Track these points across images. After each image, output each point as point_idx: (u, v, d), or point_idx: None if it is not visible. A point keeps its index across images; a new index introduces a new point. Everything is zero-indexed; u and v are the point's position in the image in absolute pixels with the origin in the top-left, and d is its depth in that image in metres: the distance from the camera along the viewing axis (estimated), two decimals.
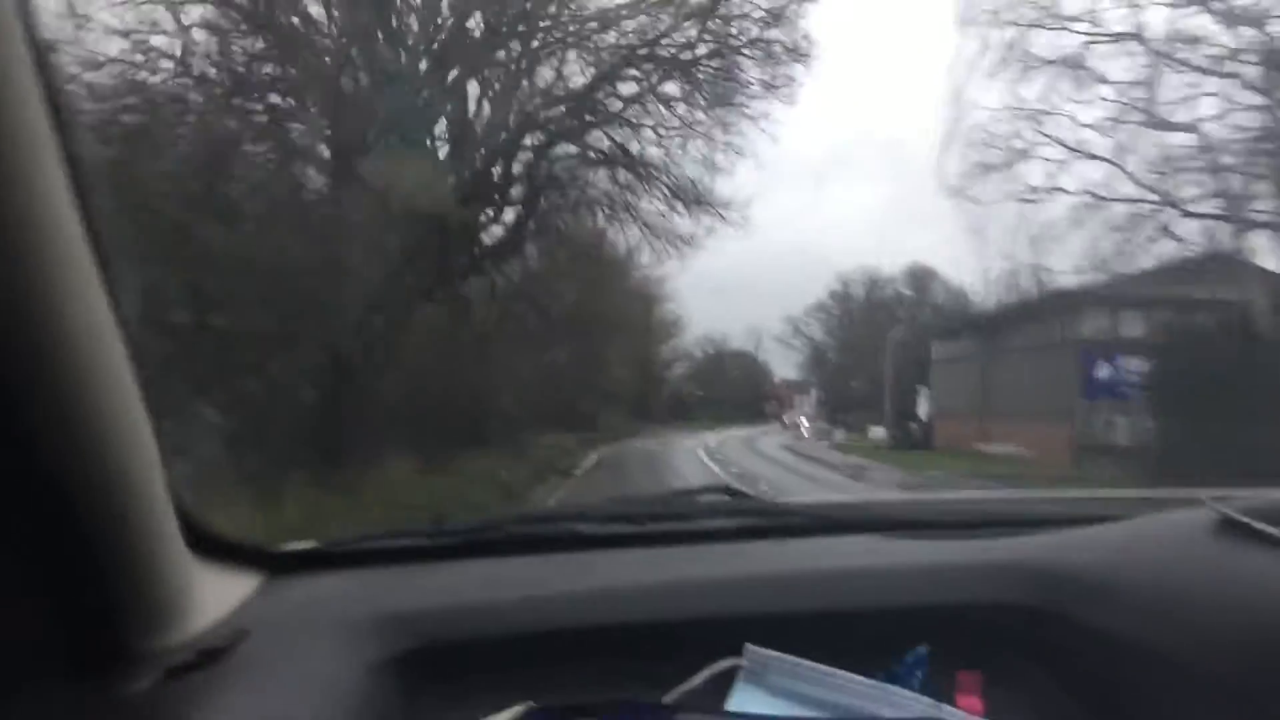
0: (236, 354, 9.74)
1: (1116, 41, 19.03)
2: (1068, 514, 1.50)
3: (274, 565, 1.38)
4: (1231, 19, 17.49)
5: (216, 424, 7.69)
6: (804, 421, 51.09)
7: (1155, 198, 19.04)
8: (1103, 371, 24.19)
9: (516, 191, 18.91)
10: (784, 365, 71.29)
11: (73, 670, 0.96)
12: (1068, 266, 20.59)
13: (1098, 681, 1.15)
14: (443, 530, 1.50)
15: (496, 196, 18.53)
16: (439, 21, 16.20)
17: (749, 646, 1.18)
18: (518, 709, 1.11)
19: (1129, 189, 19.37)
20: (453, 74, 16.29)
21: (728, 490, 1.68)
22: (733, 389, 68.76)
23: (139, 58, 11.17)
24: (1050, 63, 19.54)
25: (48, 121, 0.74)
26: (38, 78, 0.73)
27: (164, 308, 8.27)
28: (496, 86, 17.53)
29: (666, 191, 19.38)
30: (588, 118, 18.40)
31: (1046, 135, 20.17)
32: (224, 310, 9.59)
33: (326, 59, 13.40)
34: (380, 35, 14.98)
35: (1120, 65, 19.80)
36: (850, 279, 64.05)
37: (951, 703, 1.15)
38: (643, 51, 17.35)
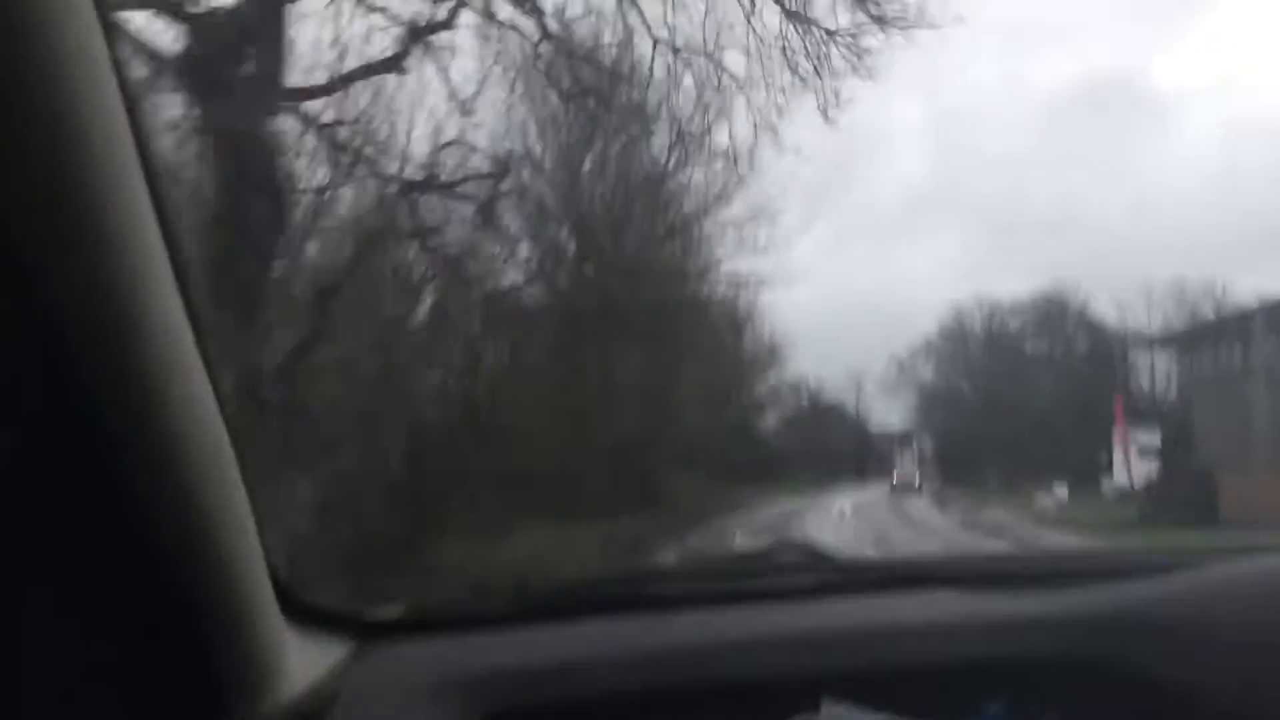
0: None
1: None
2: (1144, 564, 1.48)
3: (364, 632, 1.41)
4: None
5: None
6: (915, 478, 45.81)
7: None
8: None
9: None
10: (890, 414, 62.11)
11: None
12: None
13: None
14: (526, 594, 1.52)
15: None
16: None
17: (825, 703, 1.18)
18: None
19: None
20: None
21: (801, 547, 1.69)
22: (831, 442, 56.92)
23: None
24: None
25: (147, 193, 0.77)
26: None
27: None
28: None
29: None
30: None
31: None
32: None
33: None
34: None
35: None
36: (965, 311, 54.86)
37: None
38: None
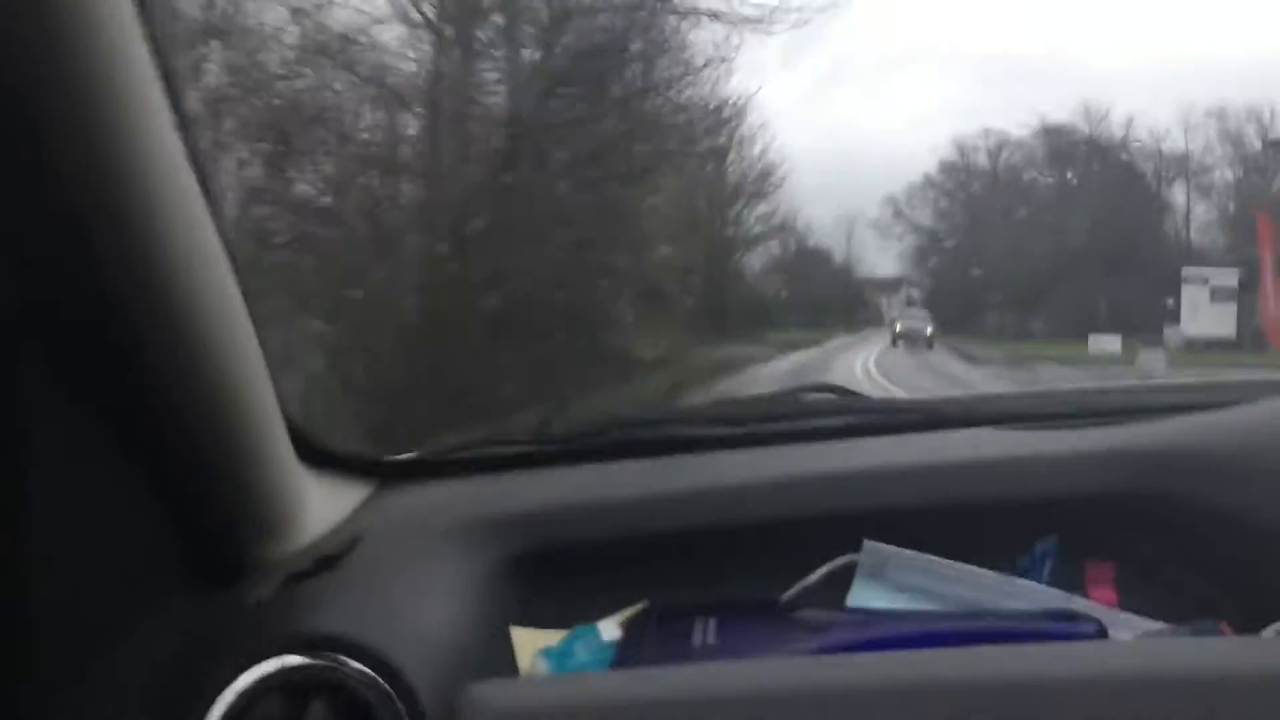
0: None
1: None
2: (1193, 400, 1.43)
3: (383, 474, 1.39)
4: None
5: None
6: (915, 322, 38.67)
7: None
8: None
9: None
10: (884, 260, 55.45)
11: (195, 582, 0.98)
12: None
13: (1236, 566, 1.10)
14: (547, 435, 1.50)
15: None
16: None
17: (867, 542, 1.15)
18: (637, 608, 1.11)
19: None
20: None
21: (832, 388, 1.64)
22: (820, 290, 50.65)
23: None
24: None
25: (144, 38, 0.74)
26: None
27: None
28: None
29: None
30: None
31: None
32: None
33: None
34: None
35: None
36: (969, 145, 48.12)
37: (1083, 595, 1.11)
38: None
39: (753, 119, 26.99)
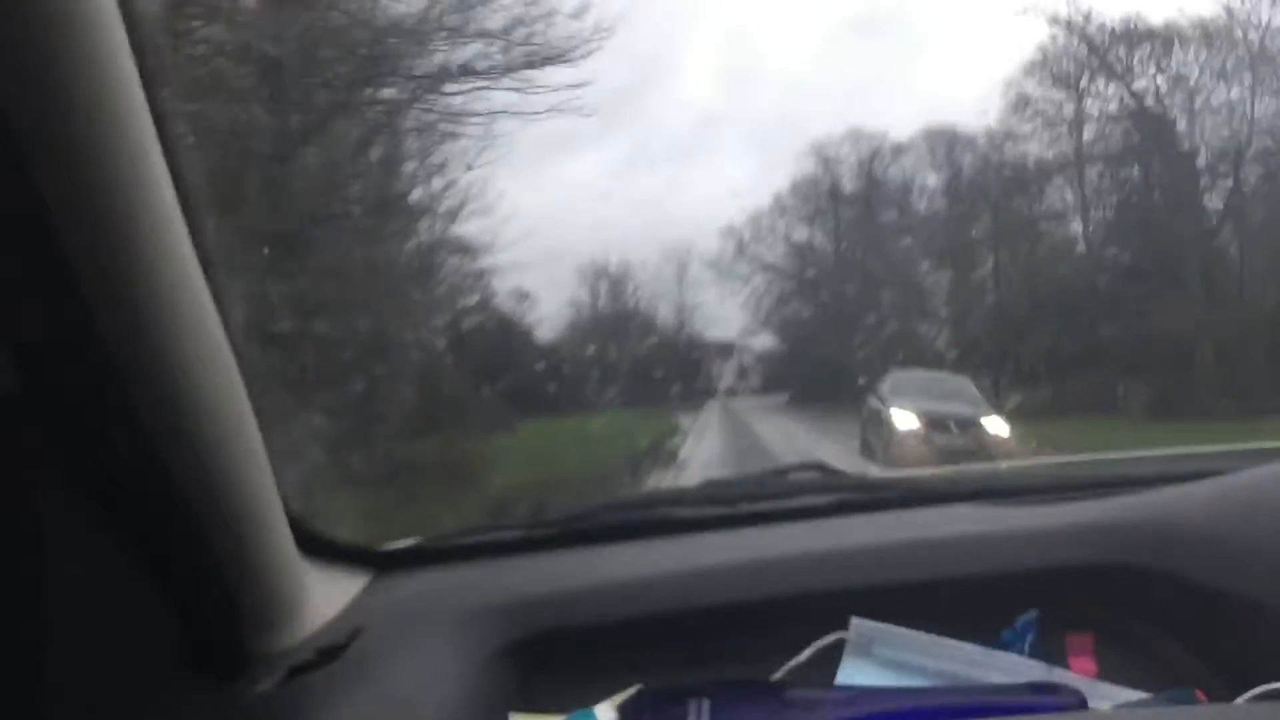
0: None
1: None
2: (1169, 472, 1.46)
3: (381, 564, 1.41)
4: None
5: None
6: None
7: None
8: None
9: None
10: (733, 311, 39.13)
11: (195, 674, 0.99)
12: None
13: (1212, 637, 1.12)
14: (542, 520, 1.52)
15: None
16: None
17: (854, 619, 1.17)
18: (630, 691, 1.13)
19: None
20: None
21: (818, 466, 1.68)
22: (650, 354, 35.41)
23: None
24: None
25: (153, 129, 0.76)
26: (143, 86, 0.74)
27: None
28: None
29: None
30: None
31: None
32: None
33: None
34: None
35: None
36: (832, 152, 35.63)
37: (1064, 666, 1.13)
38: None
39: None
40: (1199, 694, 1.02)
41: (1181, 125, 24.85)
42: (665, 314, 36.64)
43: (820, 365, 31.70)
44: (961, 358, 24.70)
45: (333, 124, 10.89)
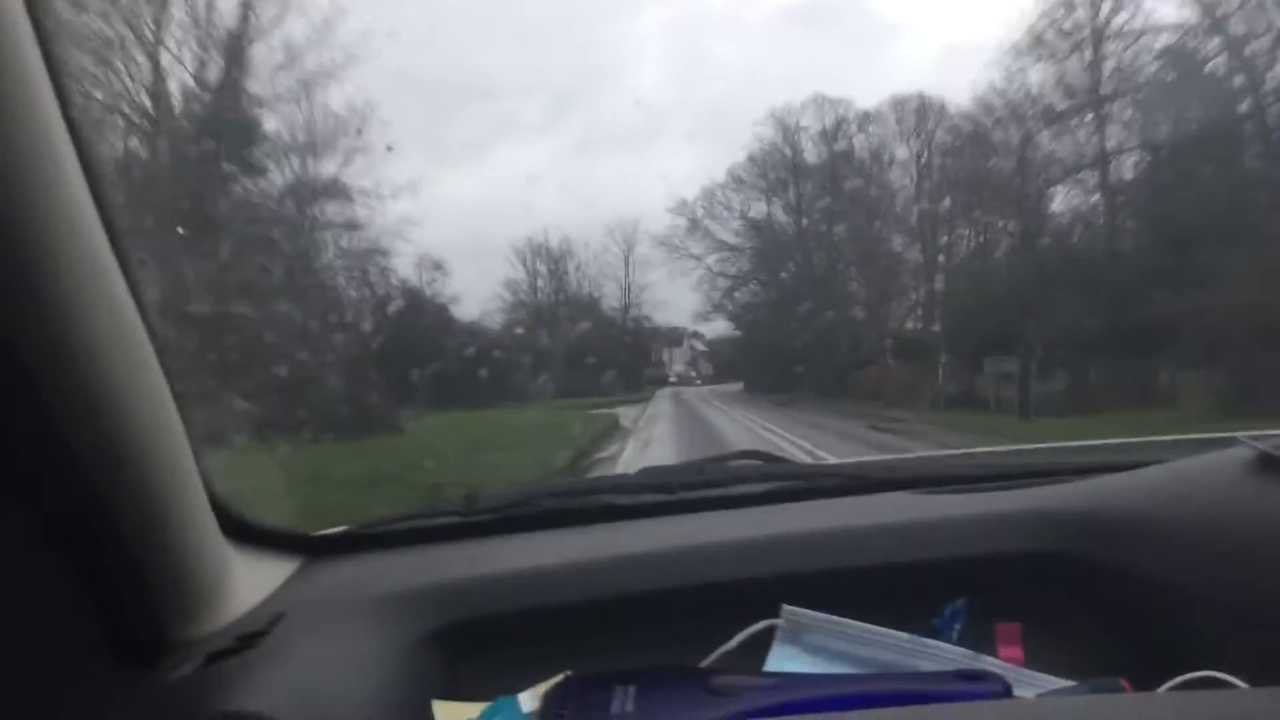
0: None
1: None
2: (1104, 462, 1.49)
3: (309, 549, 1.39)
4: None
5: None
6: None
7: None
8: None
9: None
10: (684, 294, 38.93)
11: (116, 662, 0.97)
12: None
13: (1140, 625, 1.14)
14: (478, 507, 1.51)
15: None
16: None
17: (786, 607, 1.18)
18: (557, 679, 1.12)
19: None
20: None
21: (758, 455, 1.68)
22: (590, 340, 35.01)
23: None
24: None
25: (60, 116, 0.74)
26: (48, 72, 0.73)
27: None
28: None
29: None
30: None
31: None
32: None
33: None
34: None
35: None
36: (792, 120, 34.30)
37: (993, 654, 1.14)
38: None
39: None
40: (1124, 682, 1.04)
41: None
42: (610, 295, 37.58)
43: (778, 351, 30.32)
44: (950, 349, 24.02)
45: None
